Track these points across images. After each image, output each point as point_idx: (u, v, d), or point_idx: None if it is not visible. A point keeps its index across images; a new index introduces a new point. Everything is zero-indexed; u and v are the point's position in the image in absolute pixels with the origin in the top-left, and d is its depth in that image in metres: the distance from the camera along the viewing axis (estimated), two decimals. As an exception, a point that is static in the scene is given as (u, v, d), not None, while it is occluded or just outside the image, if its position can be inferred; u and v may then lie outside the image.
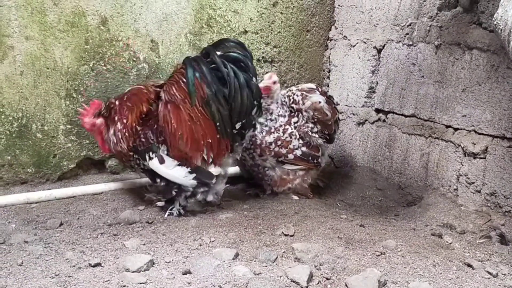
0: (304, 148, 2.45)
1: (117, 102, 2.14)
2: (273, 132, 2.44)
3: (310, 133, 2.47)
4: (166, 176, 2.07)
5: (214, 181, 2.11)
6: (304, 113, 2.48)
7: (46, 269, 1.58)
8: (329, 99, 2.52)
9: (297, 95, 2.50)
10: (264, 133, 2.43)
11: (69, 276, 1.52)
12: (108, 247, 1.76)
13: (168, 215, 2.10)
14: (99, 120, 2.15)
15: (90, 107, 2.17)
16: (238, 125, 2.12)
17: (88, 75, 2.44)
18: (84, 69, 2.43)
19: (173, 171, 2.06)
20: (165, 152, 2.07)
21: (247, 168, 2.54)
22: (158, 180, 2.10)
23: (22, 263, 1.61)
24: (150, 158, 2.07)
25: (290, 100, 2.52)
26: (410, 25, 2.53)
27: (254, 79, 2.12)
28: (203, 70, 2.05)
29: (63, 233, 1.90)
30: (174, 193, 2.10)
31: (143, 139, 2.09)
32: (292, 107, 2.51)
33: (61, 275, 1.53)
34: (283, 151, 2.43)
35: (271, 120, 2.46)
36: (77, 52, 2.40)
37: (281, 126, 2.46)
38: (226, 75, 2.04)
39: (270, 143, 2.42)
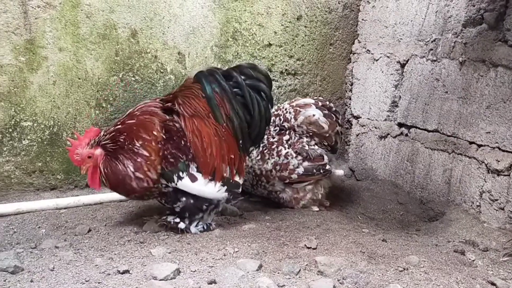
0: (305, 164, 2.44)
1: (124, 130, 1.95)
2: (269, 159, 2.45)
3: (306, 147, 2.46)
4: (199, 193, 2.00)
5: (240, 190, 2.12)
6: (297, 129, 2.47)
7: (76, 274, 1.62)
8: (332, 113, 2.50)
9: (289, 112, 2.49)
10: (260, 162, 2.46)
11: (98, 283, 1.57)
12: (135, 255, 1.81)
13: (200, 231, 2.06)
14: (98, 151, 1.94)
15: (85, 135, 1.96)
16: (251, 148, 2.20)
17: (117, 86, 2.52)
18: (114, 80, 2.51)
19: (207, 187, 2.00)
20: (195, 169, 1.99)
21: (267, 196, 2.56)
22: (184, 199, 2.00)
23: (53, 268, 1.67)
24: (180, 178, 1.97)
25: (280, 119, 2.51)
26: (434, 40, 2.55)
27: (270, 108, 2.18)
28: (223, 85, 2.02)
29: (92, 239, 1.96)
30: (204, 207, 2.03)
31: (171, 160, 1.96)
32: (284, 126, 2.50)
33: (91, 281, 1.58)
34: (285, 174, 2.43)
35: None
36: (107, 63, 2.48)
37: (273, 148, 2.46)
38: (250, 104, 2.07)
39: (271, 170, 2.44)
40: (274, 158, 2.44)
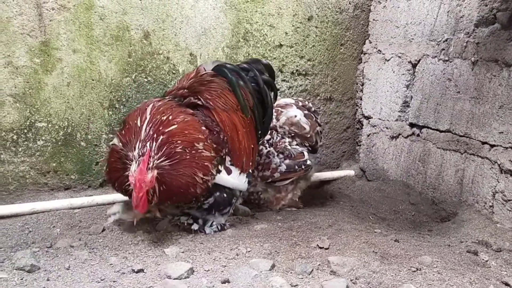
0: (287, 161, 2.44)
1: (175, 139, 1.84)
2: None
3: (288, 146, 2.47)
4: (233, 186, 2.05)
5: (251, 179, 2.21)
6: (279, 129, 2.49)
7: (92, 273, 1.65)
8: (312, 113, 2.53)
9: None
10: None
11: (114, 281, 1.59)
12: (149, 254, 1.83)
13: (214, 231, 2.06)
14: (155, 172, 1.76)
15: (142, 163, 1.73)
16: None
17: (130, 87, 2.55)
18: (127, 81, 2.53)
19: (238, 179, 2.06)
20: (229, 162, 2.04)
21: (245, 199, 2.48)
22: (218, 194, 2.01)
23: (69, 267, 1.69)
24: (219, 172, 1.99)
25: None
26: (446, 40, 2.54)
27: (274, 100, 2.32)
28: (245, 79, 2.12)
29: (106, 238, 1.98)
30: (233, 200, 2.09)
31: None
32: None
33: (106, 280, 1.60)
34: (267, 173, 2.42)
35: None
36: (120, 65, 2.51)
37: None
38: (266, 97, 2.17)
39: (253, 171, 2.38)
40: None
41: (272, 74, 2.29)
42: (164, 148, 1.81)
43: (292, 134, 2.50)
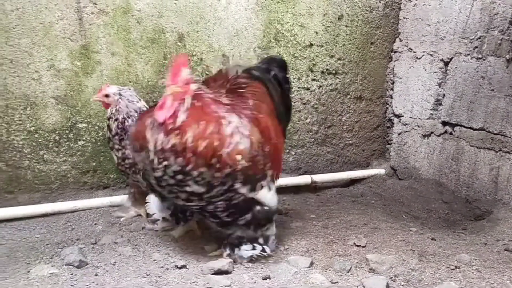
0: None
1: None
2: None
3: None
4: (271, 203, 1.77)
5: None
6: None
7: (137, 269, 1.71)
8: None
9: None
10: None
11: (159, 276, 1.65)
12: (189, 251, 1.88)
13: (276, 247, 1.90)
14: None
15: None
16: None
17: (165, 88, 2.60)
18: (162, 82, 2.59)
19: (275, 195, 1.80)
20: (270, 177, 1.76)
21: None
22: (258, 208, 1.72)
23: (115, 262, 1.76)
24: (262, 187, 1.71)
25: None
26: (479, 38, 2.53)
27: None
28: (272, 81, 2.01)
29: (147, 235, 2.04)
30: (274, 218, 1.84)
31: (260, 165, 1.68)
32: None
33: (151, 275, 1.66)
34: None
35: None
36: (156, 67, 2.57)
37: None
38: (287, 97, 2.09)
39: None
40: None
41: (286, 68, 2.12)
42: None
43: None
